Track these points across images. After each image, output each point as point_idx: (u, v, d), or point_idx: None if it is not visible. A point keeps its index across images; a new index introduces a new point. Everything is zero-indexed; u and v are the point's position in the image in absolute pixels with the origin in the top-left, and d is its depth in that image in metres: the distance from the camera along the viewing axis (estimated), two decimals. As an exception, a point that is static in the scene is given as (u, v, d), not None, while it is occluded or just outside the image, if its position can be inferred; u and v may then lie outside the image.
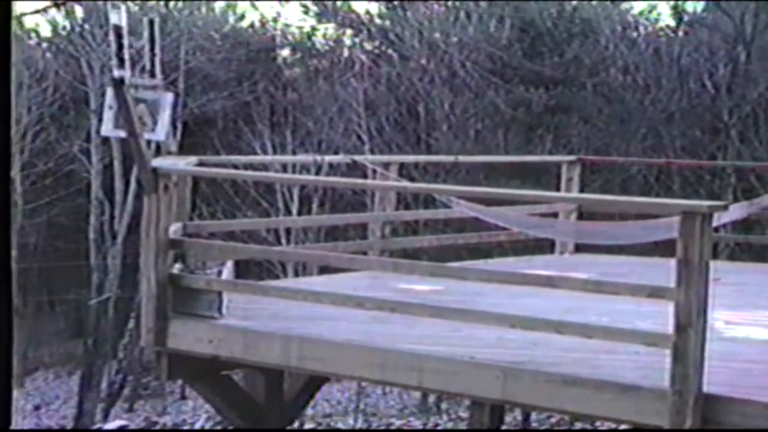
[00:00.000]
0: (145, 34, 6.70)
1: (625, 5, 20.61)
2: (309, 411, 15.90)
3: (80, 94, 21.70)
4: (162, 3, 22.16)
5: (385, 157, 11.55)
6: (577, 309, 6.24)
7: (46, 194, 22.38)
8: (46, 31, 23.32)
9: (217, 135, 21.16)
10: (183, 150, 16.86)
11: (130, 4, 19.92)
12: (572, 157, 10.45)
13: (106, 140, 20.64)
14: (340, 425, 17.02)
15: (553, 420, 14.08)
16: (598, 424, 12.64)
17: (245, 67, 22.12)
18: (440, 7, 20.64)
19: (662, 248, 6.71)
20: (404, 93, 19.62)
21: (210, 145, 20.29)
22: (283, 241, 18.02)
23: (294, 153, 19.13)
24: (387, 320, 6.33)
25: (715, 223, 5.22)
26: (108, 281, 21.08)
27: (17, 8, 18.74)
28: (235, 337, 6.49)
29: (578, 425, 13.72)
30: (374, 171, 8.48)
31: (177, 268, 6.75)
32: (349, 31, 21.93)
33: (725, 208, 5.39)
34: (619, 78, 18.50)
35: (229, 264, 6.94)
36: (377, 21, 21.26)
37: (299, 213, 18.91)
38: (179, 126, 20.19)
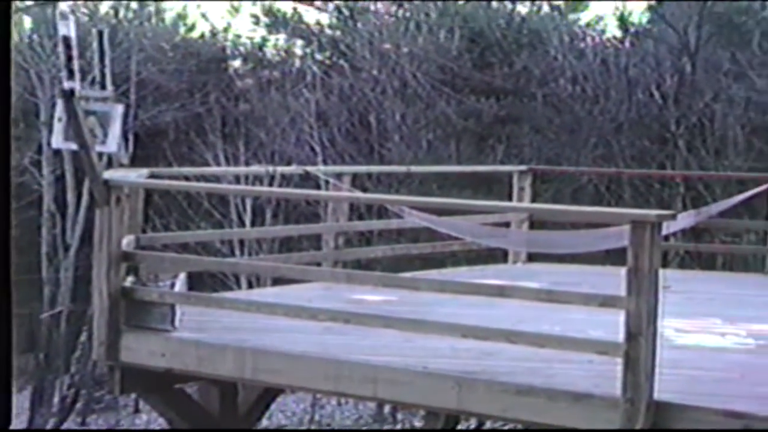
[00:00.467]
0: (95, 45, 6.67)
1: (572, 16, 20.79)
2: (264, 422, 15.84)
3: (30, 105, 21.47)
4: (111, 14, 22.01)
5: (338, 168, 11.60)
6: (530, 318, 6.28)
7: (-4, 207, 22.10)
8: (-6, 42, 23.08)
9: (170, 146, 21.01)
10: (135, 162, 16.72)
11: (79, 15, 19.78)
12: (523, 167, 10.55)
13: (57, 152, 20.42)
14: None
15: (506, 428, 14.14)
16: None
17: (197, 77, 22.01)
18: (390, 17, 20.69)
19: (614, 256, 6.77)
20: (356, 103, 19.63)
21: (162, 157, 20.16)
22: (237, 252, 17.94)
23: (247, 164, 19.06)
24: (341, 331, 6.33)
25: (664, 232, 5.29)
26: (60, 294, 20.86)
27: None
28: (189, 349, 6.46)
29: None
30: (327, 182, 8.50)
31: (129, 280, 6.71)
32: (300, 42, 21.92)
33: (673, 217, 5.47)
34: (569, 88, 18.64)
35: (182, 276, 6.91)
36: (328, 32, 21.27)
37: (253, 224, 18.83)
38: (131, 138, 20.02)
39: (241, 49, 22.89)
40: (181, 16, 23.32)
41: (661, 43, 18.37)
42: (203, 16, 23.00)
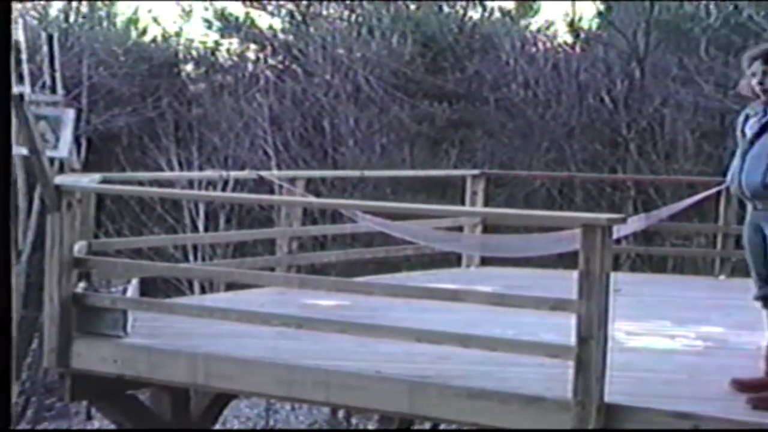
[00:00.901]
0: (45, 48, 6.61)
1: (523, 22, 20.93)
2: (218, 428, 15.77)
3: (-21, 110, 21.25)
4: (62, 17, 21.81)
5: (292, 173, 11.58)
6: (483, 322, 6.32)
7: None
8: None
9: (122, 151, 20.86)
10: (88, 167, 16.61)
11: (28, 18, 19.58)
12: (476, 171, 10.58)
13: (6, 157, 20.22)
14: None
15: (461, 430, 14.18)
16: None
17: (149, 82, 21.87)
18: (343, 22, 20.71)
19: (566, 260, 6.83)
20: (309, 108, 19.62)
21: (115, 162, 20.01)
22: (191, 257, 17.86)
23: (200, 169, 18.96)
24: (294, 336, 6.33)
25: (615, 235, 5.34)
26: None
27: None
28: (141, 355, 6.42)
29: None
30: (281, 186, 8.49)
31: (81, 286, 6.66)
32: (252, 46, 21.87)
33: (624, 220, 5.51)
34: (521, 93, 18.76)
35: (135, 282, 6.87)
36: (281, 36, 21.24)
37: (206, 229, 18.75)
38: (83, 142, 19.85)
39: (194, 53, 22.79)
40: (133, 20, 23.16)
41: (611, 48, 18.56)
42: (155, 20, 22.91)
